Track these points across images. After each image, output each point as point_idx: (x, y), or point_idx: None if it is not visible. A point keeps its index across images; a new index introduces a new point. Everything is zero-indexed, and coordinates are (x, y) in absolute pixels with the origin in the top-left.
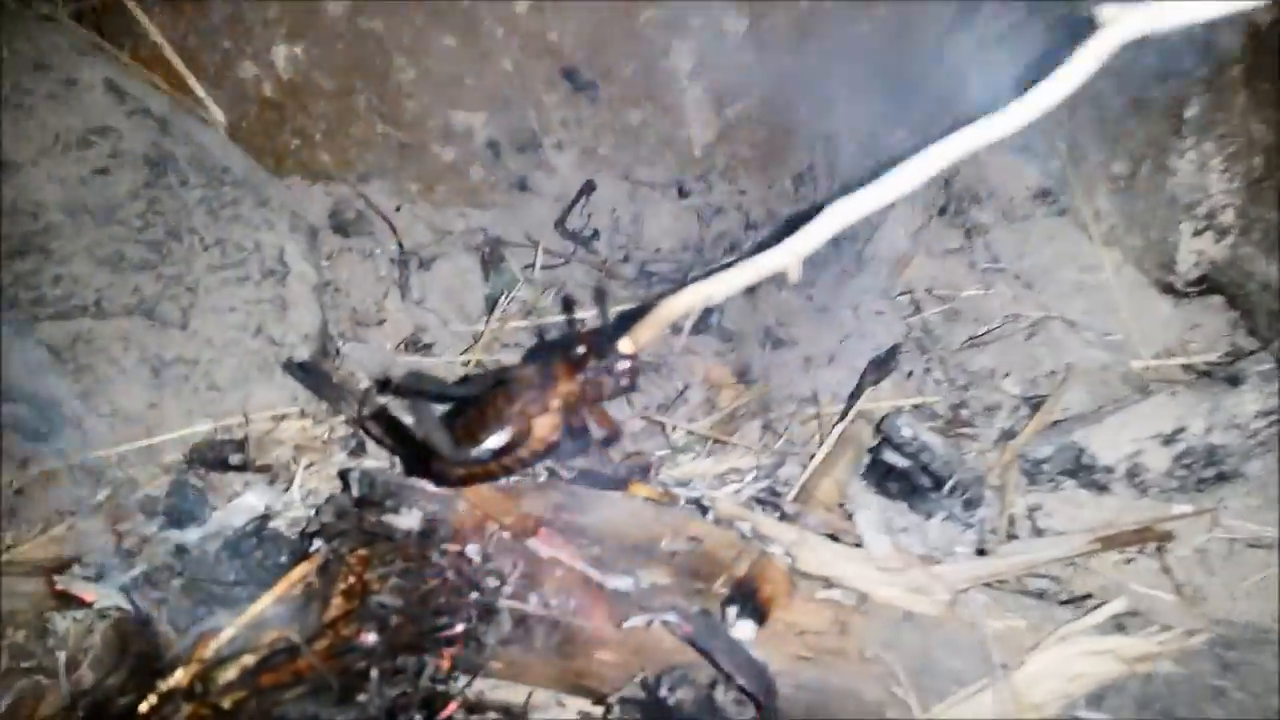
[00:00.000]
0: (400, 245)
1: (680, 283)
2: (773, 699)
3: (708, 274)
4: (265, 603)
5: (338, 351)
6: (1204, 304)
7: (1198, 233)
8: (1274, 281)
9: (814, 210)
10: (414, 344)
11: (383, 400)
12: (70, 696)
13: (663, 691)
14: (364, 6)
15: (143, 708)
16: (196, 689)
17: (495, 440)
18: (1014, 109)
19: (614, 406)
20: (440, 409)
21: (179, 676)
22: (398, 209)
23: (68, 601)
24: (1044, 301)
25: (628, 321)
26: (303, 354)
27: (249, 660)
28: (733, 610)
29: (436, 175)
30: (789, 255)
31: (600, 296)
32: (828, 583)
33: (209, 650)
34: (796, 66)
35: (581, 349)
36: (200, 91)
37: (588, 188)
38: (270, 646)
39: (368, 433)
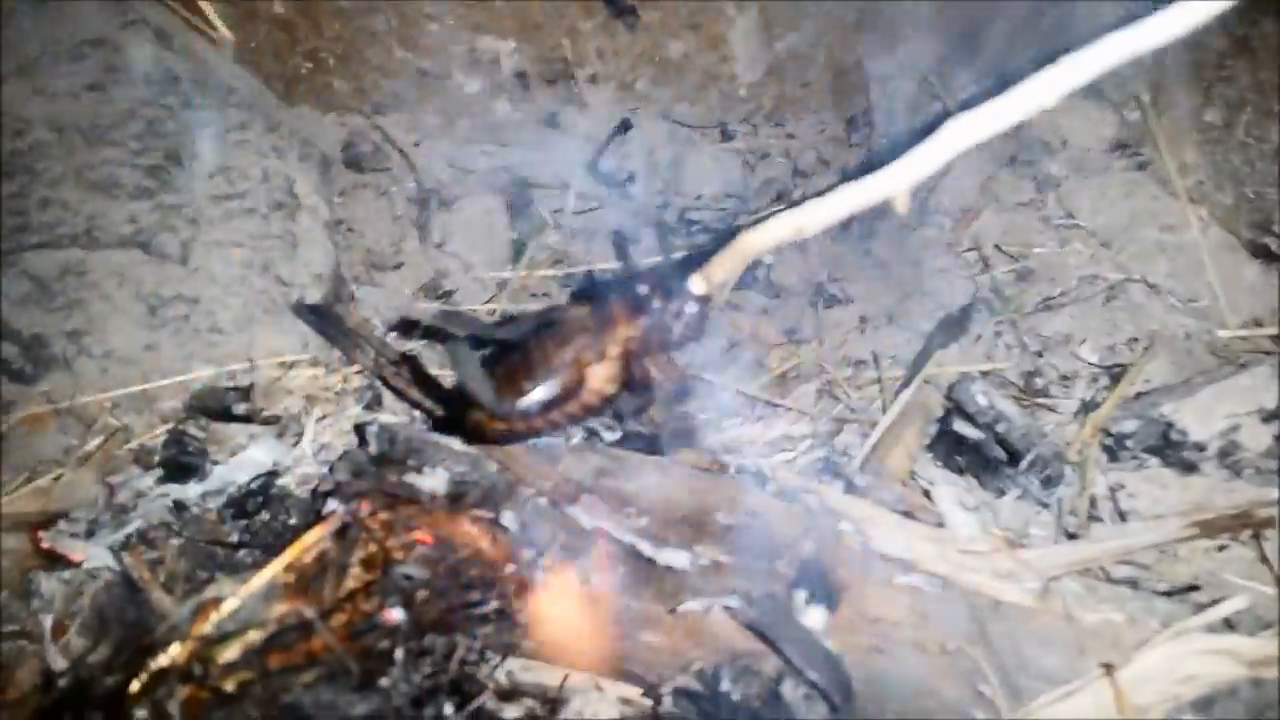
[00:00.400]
0: (419, 183)
1: (724, 232)
2: (850, 698)
3: (791, 205)
4: (274, 570)
5: (351, 295)
6: None
7: None
8: None
9: (870, 160)
10: (434, 290)
11: (407, 345)
12: (48, 672)
13: (724, 685)
14: None
15: (132, 689)
16: (195, 669)
17: (543, 391)
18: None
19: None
20: (480, 354)
21: (175, 653)
22: (416, 144)
23: (54, 560)
24: (1123, 262)
25: (698, 259)
26: (314, 296)
27: (255, 637)
28: (801, 594)
29: (459, 108)
30: (898, 180)
31: (663, 230)
32: (905, 566)
33: (209, 624)
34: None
35: (645, 288)
36: (205, 4)
37: (623, 126)
38: (280, 622)
39: (387, 384)
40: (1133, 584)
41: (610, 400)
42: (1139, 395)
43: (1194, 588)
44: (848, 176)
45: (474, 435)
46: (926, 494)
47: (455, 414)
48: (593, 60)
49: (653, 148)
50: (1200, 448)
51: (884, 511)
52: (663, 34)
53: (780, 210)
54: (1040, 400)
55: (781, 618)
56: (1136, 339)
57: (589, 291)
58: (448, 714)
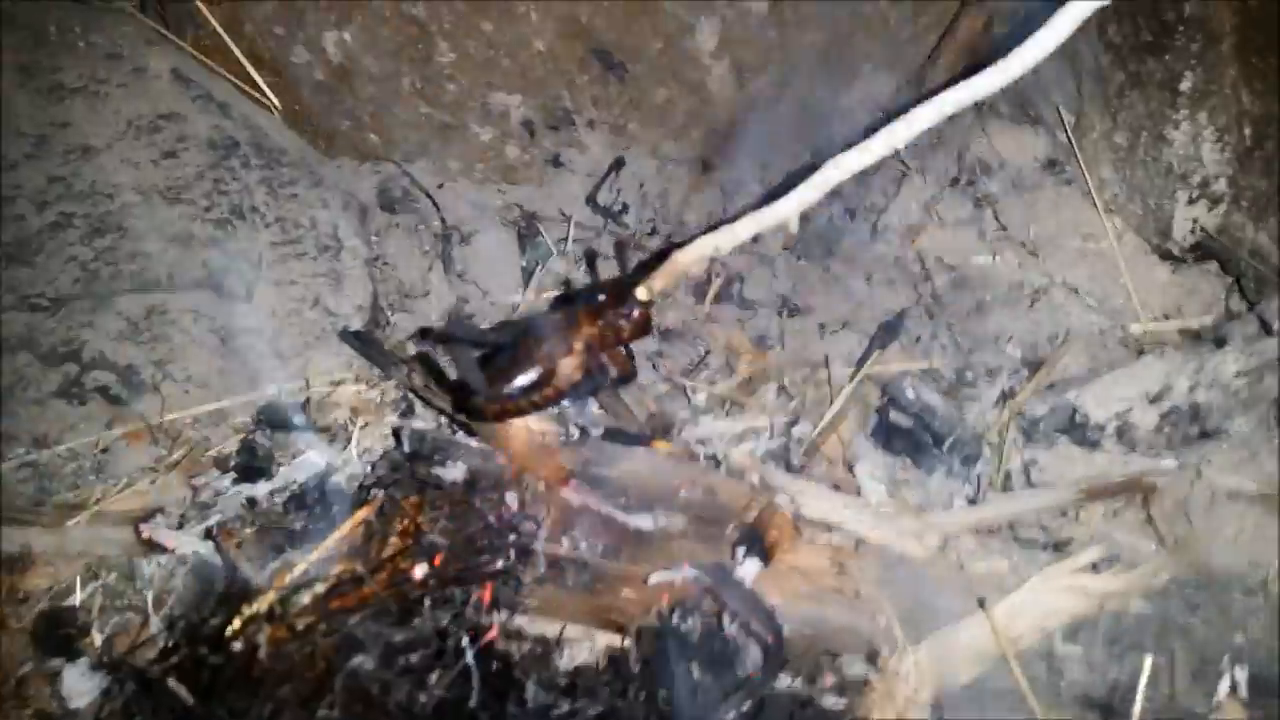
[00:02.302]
0: (443, 221)
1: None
2: (780, 641)
3: (714, 226)
4: (333, 540)
5: (387, 321)
6: (1200, 270)
7: (1192, 201)
8: (1262, 248)
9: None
10: (457, 314)
11: (424, 347)
12: (167, 620)
13: (674, 620)
14: None
15: (232, 628)
16: (276, 612)
17: (524, 379)
18: (993, 70)
19: (640, 370)
20: (476, 353)
21: (261, 603)
22: (440, 186)
23: (153, 547)
24: (1048, 269)
25: (643, 271)
26: (356, 324)
27: (320, 589)
28: (741, 550)
29: (475, 154)
30: (790, 207)
31: (620, 249)
32: (827, 527)
33: (284, 581)
34: (815, 44)
35: (601, 296)
36: (257, 77)
37: (617, 164)
38: (338, 577)
39: (418, 395)
40: (1024, 542)
41: (577, 385)
42: (1053, 385)
43: (1071, 541)
44: (805, 171)
45: (474, 414)
46: (851, 470)
47: (459, 399)
48: (589, 108)
49: (643, 181)
50: (1100, 428)
51: (814, 485)
52: (649, 83)
53: (702, 233)
54: (968, 391)
55: (730, 581)
56: (1056, 336)
57: (561, 300)
58: (464, 644)
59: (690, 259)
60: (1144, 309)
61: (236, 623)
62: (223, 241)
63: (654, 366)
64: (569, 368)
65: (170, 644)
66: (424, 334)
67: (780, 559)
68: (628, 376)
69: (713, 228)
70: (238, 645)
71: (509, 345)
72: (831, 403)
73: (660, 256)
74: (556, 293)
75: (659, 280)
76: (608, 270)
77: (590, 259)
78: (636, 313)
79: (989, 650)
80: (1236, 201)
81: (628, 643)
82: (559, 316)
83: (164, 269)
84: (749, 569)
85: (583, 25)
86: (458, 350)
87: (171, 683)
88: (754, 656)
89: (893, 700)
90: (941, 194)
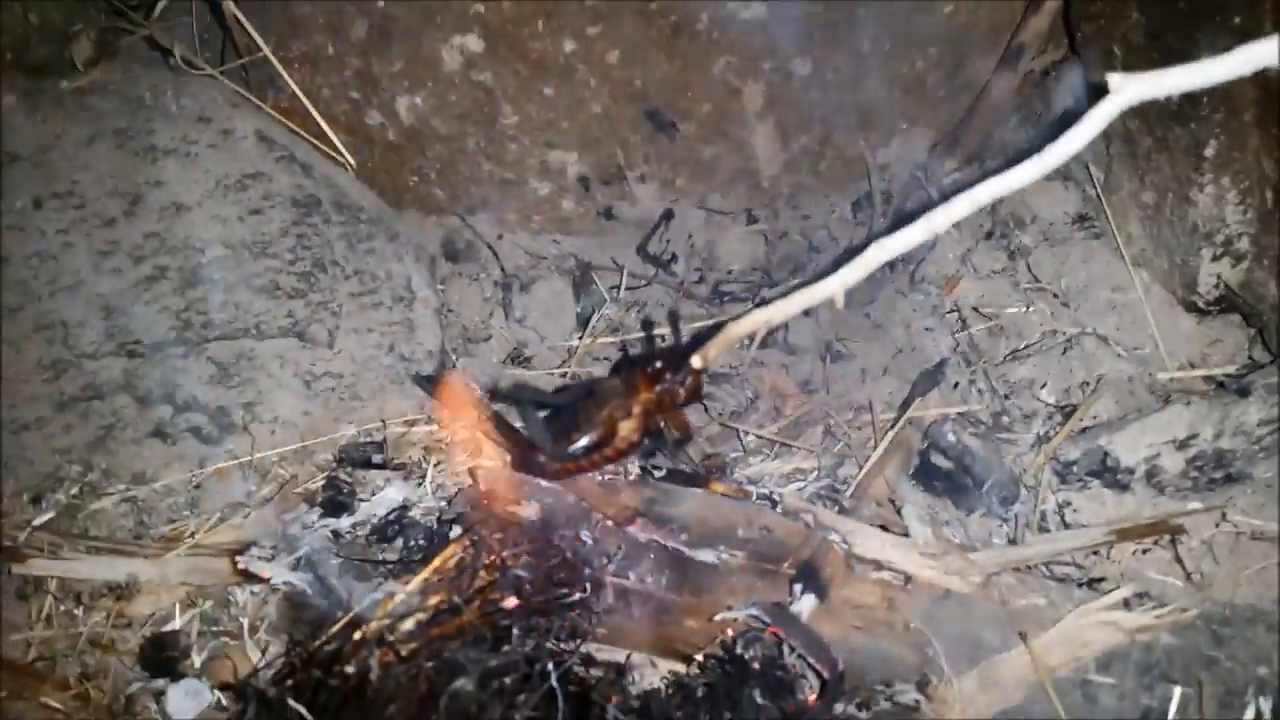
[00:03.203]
0: (503, 270)
1: (749, 301)
2: (836, 673)
3: (767, 300)
4: (427, 573)
5: (454, 365)
6: (1224, 321)
7: (1216, 258)
8: None
9: (865, 242)
10: (517, 358)
11: (496, 405)
12: (261, 645)
13: (738, 649)
14: (476, 60)
15: (344, 651)
16: (384, 639)
17: (586, 440)
18: (1029, 165)
19: (691, 413)
20: (542, 414)
21: (368, 629)
22: (500, 237)
23: (248, 577)
24: (1079, 318)
25: (699, 340)
26: (427, 368)
27: (421, 617)
28: (798, 587)
29: (533, 207)
30: (836, 285)
31: (674, 319)
32: (878, 565)
33: (387, 610)
34: (856, 104)
35: (658, 364)
36: (334, 138)
37: (667, 216)
38: (436, 607)
39: (486, 435)
40: (1061, 579)
41: (635, 446)
42: (1085, 429)
43: (1104, 579)
44: (851, 252)
45: (538, 472)
46: (898, 511)
47: (525, 456)
48: (640, 164)
49: (690, 232)
50: (1130, 471)
51: (864, 525)
52: (697, 141)
53: (755, 307)
54: (1004, 435)
55: (790, 619)
56: (1088, 382)
57: (620, 365)
58: (549, 669)
59: (742, 331)
60: (1171, 358)
61: (348, 646)
62: (306, 293)
63: (705, 410)
64: (628, 429)
65: (288, 667)
66: (493, 394)
67: (834, 594)
68: (685, 439)
69: (764, 301)
70: (350, 669)
71: (571, 407)
72: (875, 445)
73: (715, 328)
74: (609, 340)
75: (713, 349)
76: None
77: (647, 325)
78: (691, 379)
79: (1029, 679)
80: (1259, 259)
81: (693, 670)
82: (618, 382)
83: (251, 318)
84: (806, 604)
85: (637, 89)
86: (526, 411)
87: (291, 702)
88: (812, 682)
89: None
90: (977, 246)
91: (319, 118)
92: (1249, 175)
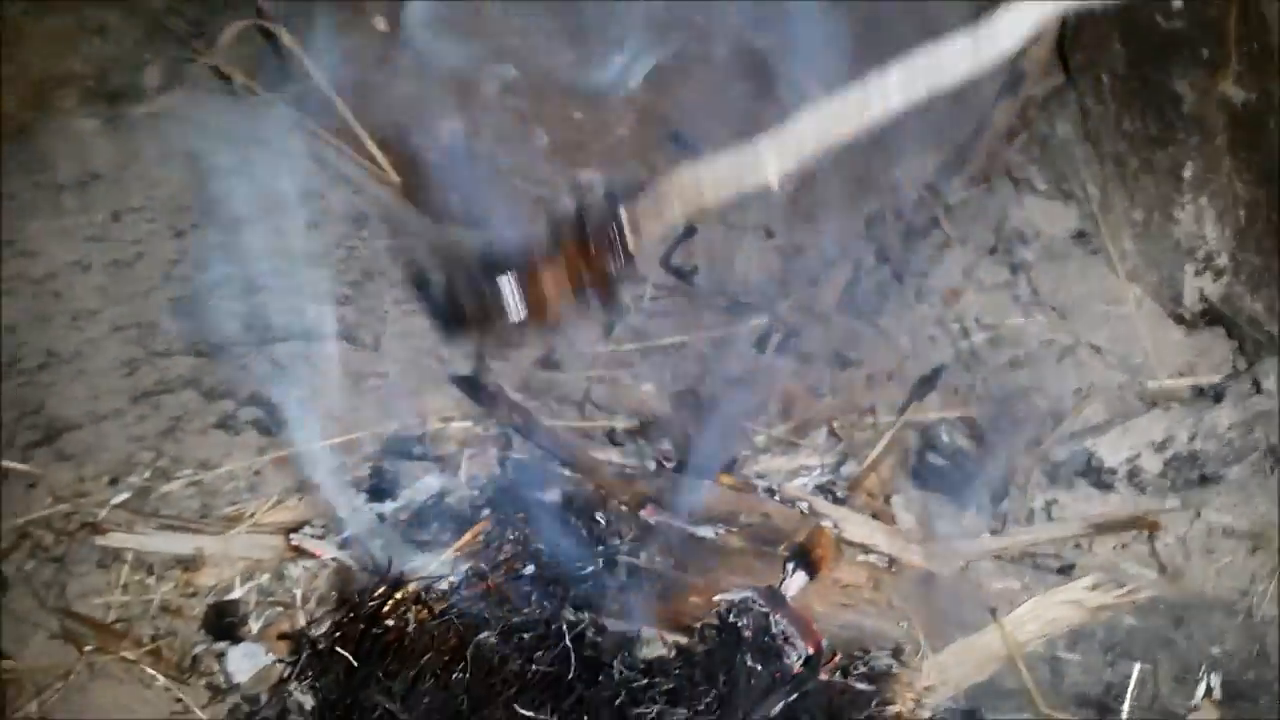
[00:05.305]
0: None
1: (764, 311)
2: (820, 649)
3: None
4: (462, 543)
5: (489, 368)
6: (1210, 333)
7: (1199, 273)
8: (1259, 315)
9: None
10: (546, 362)
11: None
12: (310, 614)
13: (731, 618)
14: (513, 86)
15: (385, 609)
16: (421, 598)
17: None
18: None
19: None
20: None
21: (408, 589)
22: None
23: (301, 554)
24: (1075, 329)
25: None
26: (464, 370)
27: (453, 579)
28: (791, 565)
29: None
30: (769, 152)
31: (612, 197)
32: (866, 549)
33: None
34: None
35: (588, 230)
36: (381, 159)
37: (688, 230)
38: (467, 574)
39: (516, 431)
40: (1036, 565)
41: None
42: (1074, 433)
43: (1075, 566)
44: (860, 266)
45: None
46: (887, 502)
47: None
48: None
49: (711, 245)
50: (1113, 471)
51: (855, 513)
52: None
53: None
54: (998, 437)
55: (781, 601)
56: (1080, 389)
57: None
58: (564, 630)
59: (670, 192)
60: (1160, 367)
61: (390, 604)
62: (355, 299)
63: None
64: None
65: (337, 620)
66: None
67: (824, 573)
68: (613, 303)
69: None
70: (390, 622)
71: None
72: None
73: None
74: (634, 346)
75: (643, 216)
76: None
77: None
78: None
79: (1000, 654)
80: (1236, 274)
81: (694, 640)
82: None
83: (305, 322)
84: (797, 580)
85: (662, 113)
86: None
87: (339, 649)
88: (800, 650)
89: (912, 687)
90: (980, 261)
91: (368, 141)
92: (1224, 195)
